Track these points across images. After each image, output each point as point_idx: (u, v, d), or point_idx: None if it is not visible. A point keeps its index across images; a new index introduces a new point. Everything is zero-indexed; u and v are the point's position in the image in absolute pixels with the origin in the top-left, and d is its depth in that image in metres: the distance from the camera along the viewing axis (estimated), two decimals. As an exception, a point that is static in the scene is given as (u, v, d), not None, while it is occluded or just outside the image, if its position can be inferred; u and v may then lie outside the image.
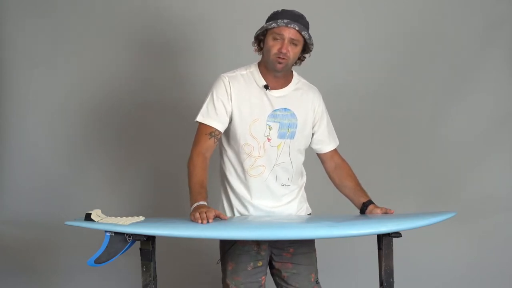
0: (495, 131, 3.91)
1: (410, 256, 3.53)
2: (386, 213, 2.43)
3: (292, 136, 2.44)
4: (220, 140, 2.50)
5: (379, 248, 2.25)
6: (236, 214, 2.48)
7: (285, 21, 2.32)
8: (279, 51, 2.33)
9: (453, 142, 3.89)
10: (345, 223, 2.24)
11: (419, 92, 3.89)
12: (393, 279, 2.24)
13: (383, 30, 3.84)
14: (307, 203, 2.61)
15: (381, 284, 2.26)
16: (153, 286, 2.23)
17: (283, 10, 2.37)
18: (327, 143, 2.58)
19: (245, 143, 2.41)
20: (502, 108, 3.91)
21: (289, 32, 2.32)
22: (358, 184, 2.56)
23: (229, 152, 2.46)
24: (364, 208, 2.49)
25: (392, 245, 2.22)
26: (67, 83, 3.84)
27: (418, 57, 3.87)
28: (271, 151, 2.42)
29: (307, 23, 2.39)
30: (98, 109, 3.84)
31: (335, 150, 2.61)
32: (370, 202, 2.49)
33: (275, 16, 2.37)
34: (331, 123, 2.60)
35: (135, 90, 3.82)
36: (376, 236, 2.24)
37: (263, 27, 2.38)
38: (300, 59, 2.45)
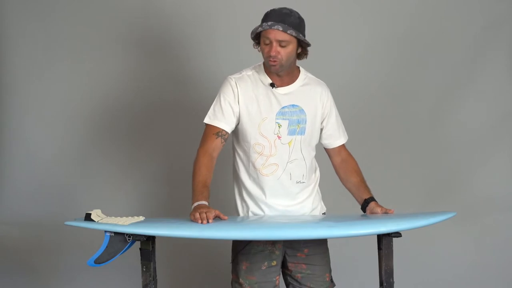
0: (495, 131, 3.91)
1: (410, 256, 3.53)
2: (386, 213, 2.43)
3: (302, 132, 2.44)
4: (232, 142, 2.51)
5: (379, 248, 2.25)
6: (250, 214, 2.47)
7: (269, 23, 2.28)
8: (268, 54, 2.32)
9: (453, 142, 3.89)
10: (345, 223, 2.24)
11: (419, 92, 3.89)
12: (393, 279, 2.24)
13: (382, 30, 3.84)
14: (322, 202, 2.61)
15: (381, 284, 2.26)
16: (153, 286, 2.23)
17: (271, 11, 2.34)
18: (336, 137, 2.57)
19: (255, 143, 2.41)
20: (502, 108, 3.91)
21: (274, 34, 2.29)
22: (362, 181, 2.55)
23: (241, 152, 2.47)
24: (365, 204, 2.49)
25: (392, 245, 2.22)
26: (68, 83, 3.84)
27: (417, 57, 3.87)
28: (282, 149, 2.42)
29: (299, 18, 2.34)
30: (98, 109, 3.83)
31: (343, 144, 2.60)
32: (372, 199, 2.49)
33: (263, 18, 2.34)
34: (340, 118, 2.59)
35: (136, 90, 3.82)
36: (376, 236, 2.24)
37: (253, 31, 2.36)
38: (304, 52, 2.41)
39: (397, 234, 2.17)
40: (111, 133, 3.86)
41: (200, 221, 2.15)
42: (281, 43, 2.31)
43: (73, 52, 3.82)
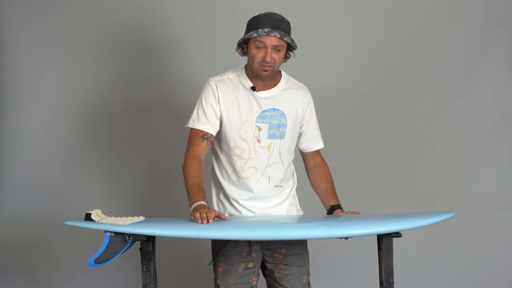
0: (495, 131, 3.91)
1: (410, 256, 3.53)
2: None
3: (282, 136, 2.44)
4: (212, 144, 2.50)
5: (379, 248, 2.25)
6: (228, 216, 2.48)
7: (266, 29, 2.28)
8: (263, 59, 2.32)
9: (453, 142, 3.89)
10: (345, 223, 2.24)
11: (419, 92, 3.89)
12: (393, 279, 2.24)
13: (381, 30, 3.83)
14: (297, 206, 2.61)
15: (381, 284, 2.26)
16: (153, 286, 2.23)
17: (263, 16, 2.32)
18: (315, 142, 2.58)
19: (235, 145, 2.42)
20: (502, 108, 3.91)
21: (271, 40, 2.29)
22: (331, 187, 2.56)
23: (221, 155, 2.48)
24: (331, 210, 2.51)
25: (392, 245, 2.22)
26: (68, 84, 3.84)
27: (417, 57, 3.87)
28: (261, 152, 2.43)
29: (288, 24, 2.35)
30: (97, 109, 3.84)
31: (318, 150, 2.61)
32: (338, 206, 2.50)
33: (256, 24, 2.32)
34: (318, 123, 2.59)
35: (137, 90, 3.82)
36: (376, 236, 2.24)
37: (244, 36, 2.34)
38: (286, 57, 2.42)
39: (397, 234, 2.17)
40: (112, 133, 3.86)
41: (200, 221, 2.15)
42: (276, 48, 2.31)
43: (73, 52, 3.82)
